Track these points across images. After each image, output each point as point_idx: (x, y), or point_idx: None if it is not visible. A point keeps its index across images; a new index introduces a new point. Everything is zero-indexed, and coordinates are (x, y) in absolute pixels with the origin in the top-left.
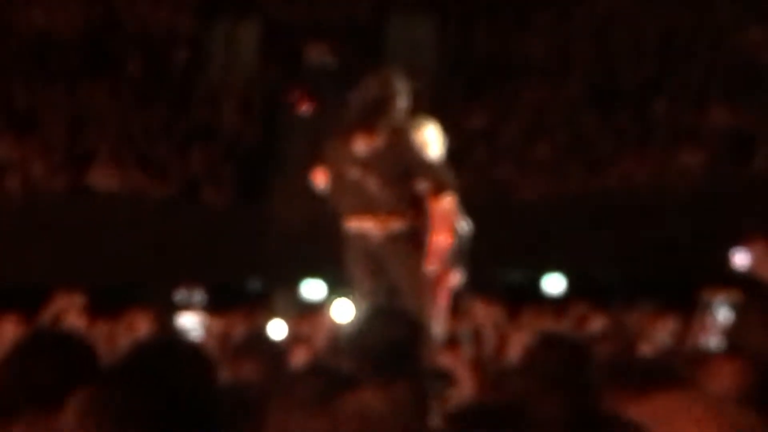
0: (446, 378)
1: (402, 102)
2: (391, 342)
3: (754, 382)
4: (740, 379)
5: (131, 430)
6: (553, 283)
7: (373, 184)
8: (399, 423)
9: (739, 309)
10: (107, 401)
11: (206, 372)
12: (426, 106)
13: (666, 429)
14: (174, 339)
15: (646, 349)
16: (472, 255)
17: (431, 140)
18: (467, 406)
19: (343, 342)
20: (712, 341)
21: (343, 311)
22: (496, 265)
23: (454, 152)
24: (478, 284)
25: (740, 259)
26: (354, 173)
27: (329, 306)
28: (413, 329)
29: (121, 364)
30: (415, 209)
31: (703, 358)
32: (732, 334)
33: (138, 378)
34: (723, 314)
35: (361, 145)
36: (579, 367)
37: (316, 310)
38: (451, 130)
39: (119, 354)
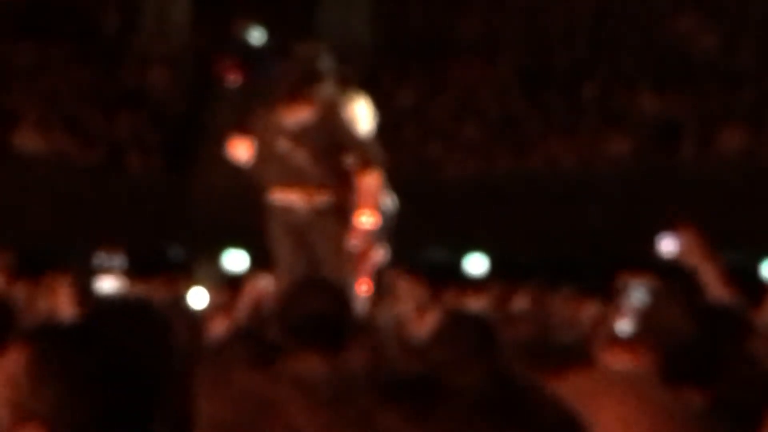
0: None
1: (331, 75)
2: (319, 313)
3: (664, 364)
4: (652, 361)
5: (74, 393)
6: (476, 263)
7: (301, 157)
8: (338, 390)
9: (656, 293)
10: (48, 358)
11: (162, 336)
12: (357, 81)
13: (584, 407)
14: (132, 301)
15: (564, 332)
16: (396, 232)
17: (361, 115)
18: (384, 377)
19: (268, 312)
20: (628, 325)
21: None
22: (420, 244)
23: (383, 129)
24: (401, 262)
25: (666, 245)
26: (282, 145)
27: (251, 277)
28: (340, 301)
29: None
30: (342, 184)
31: (617, 341)
32: (647, 317)
33: (86, 336)
34: (640, 299)
35: (290, 117)
36: (487, 343)
37: (238, 280)
38: (381, 107)
39: (38, 316)
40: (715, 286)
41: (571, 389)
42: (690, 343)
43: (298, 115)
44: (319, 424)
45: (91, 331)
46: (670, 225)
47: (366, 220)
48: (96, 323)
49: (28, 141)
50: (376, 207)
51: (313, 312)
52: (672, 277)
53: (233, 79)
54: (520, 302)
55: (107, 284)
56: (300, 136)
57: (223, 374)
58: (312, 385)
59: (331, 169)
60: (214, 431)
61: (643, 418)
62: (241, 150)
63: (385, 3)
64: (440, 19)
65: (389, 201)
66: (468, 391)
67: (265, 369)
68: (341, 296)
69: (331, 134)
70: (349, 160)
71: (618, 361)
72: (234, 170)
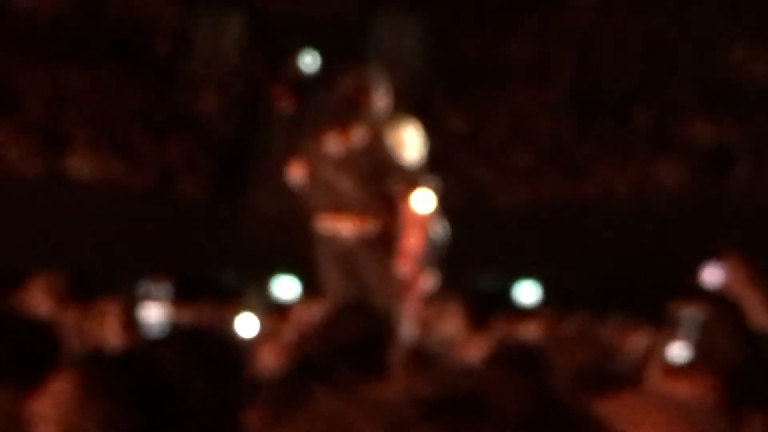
0: None
1: (379, 100)
2: (359, 338)
3: (723, 393)
4: (710, 390)
5: (120, 417)
6: (527, 291)
7: (345, 184)
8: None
9: (707, 323)
10: (97, 385)
11: (208, 363)
12: (408, 105)
13: (631, 429)
14: (179, 329)
15: (616, 359)
16: (446, 259)
17: (408, 140)
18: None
19: (311, 339)
20: (680, 352)
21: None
22: (471, 271)
23: (434, 154)
24: (451, 289)
25: (709, 274)
26: (327, 172)
27: (301, 304)
28: (380, 326)
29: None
30: (389, 210)
31: (672, 369)
32: (700, 345)
33: (132, 363)
34: (691, 328)
35: (334, 144)
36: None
37: (288, 307)
38: (432, 132)
39: (88, 342)
40: (760, 315)
41: (618, 412)
42: (745, 369)
43: (342, 142)
44: None
45: (137, 359)
46: (714, 254)
47: (413, 246)
48: (142, 351)
49: (79, 165)
50: (424, 233)
51: (354, 336)
52: (719, 305)
53: (285, 104)
54: (571, 329)
55: (154, 313)
56: (345, 163)
57: (299, 399)
58: (387, 410)
59: (378, 195)
60: None
61: None
62: (295, 174)
63: (437, 28)
64: (492, 44)
65: (439, 227)
66: (511, 411)
67: (344, 392)
68: (382, 321)
69: (375, 160)
70: (396, 187)
71: (676, 389)
72: (284, 196)
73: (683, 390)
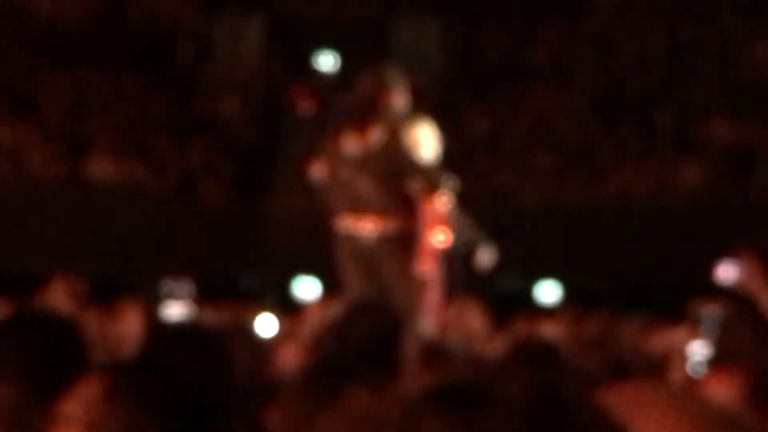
0: None
1: (398, 100)
2: (373, 336)
3: (747, 391)
4: (734, 389)
5: (146, 419)
6: (548, 291)
7: (365, 184)
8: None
9: (727, 321)
10: (124, 388)
11: (225, 363)
12: (429, 106)
13: (635, 417)
14: (194, 328)
15: (637, 359)
16: (467, 260)
17: (426, 140)
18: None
19: (326, 338)
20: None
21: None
22: (492, 272)
23: (455, 156)
24: (473, 289)
25: (724, 271)
26: (346, 172)
27: (321, 304)
28: (395, 324)
29: (140, 351)
30: (408, 210)
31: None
32: (720, 344)
33: (157, 366)
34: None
35: (352, 145)
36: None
37: (308, 307)
38: (453, 134)
39: (109, 343)
40: None
41: (632, 404)
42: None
43: (360, 142)
44: None
45: (157, 361)
46: (730, 251)
47: (433, 243)
48: (162, 352)
49: (100, 168)
50: (444, 232)
51: (368, 334)
52: (737, 303)
53: (306, 106)
54: (592, 329)
55: (176, 311)
56: (363, 163)
57: (333, 394)
58: (404, 404)
59: (396, 195)
60: None
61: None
62: (317, 172)
63: (457, 28)
64: (513, 45)
65: (460, 227)
66: (514, 400)
67: (380, 387)
68: (397, 319)
69: (394, 160)
70: (415, 187)
71: (699, 388)
72: (305, 197)
73: (707, 388)
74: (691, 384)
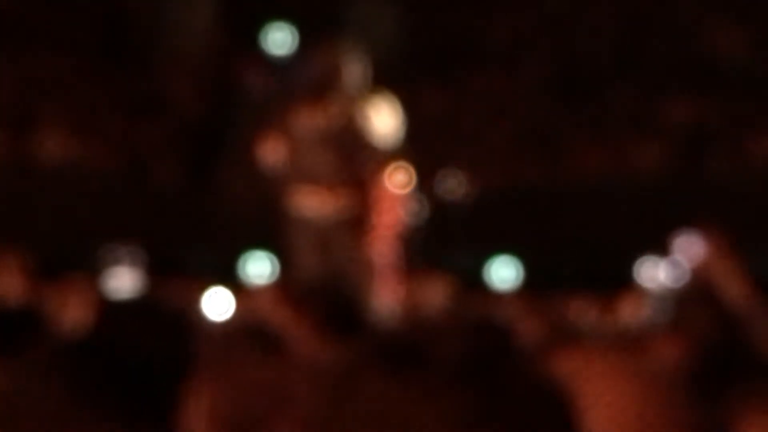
0: None
1: (354, 75)
2: (324, 316)
3: (695, 361)
4: (682, 356)
5: (87, 398)
6: (502, 270)
7: (319, 159)
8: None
9: (682, 295)
10: (62, 367)
11: (176, 339)
12: (384, 82)
13: (576, 380)
14: (144, 302)
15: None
16: (422, 237)
17: (383, 117)
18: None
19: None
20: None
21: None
22: (447, 250)
23: (410, 133)
24: (428, 267)
25: (684, 243)
26: (300, 147)
27: (272, 281)
28: (347, 305)
29: (86, 328)
30: (363, 187)
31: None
32: (675, 318)
33: (101, 343)
34: (665, 299)
35: (307, 119)
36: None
37: (259, 284)
38: (410, 111)
39: (58, 319)
40: (733, 287)
41: (578, 369)
42: (719, 339)
43: (317, 118)
44: (325, 409)
45: (103, 338)
46: (690, 227)
47: (387, 224)
48: (110, 328)
49: (48, 146)
50: (399, 211)
51: (324, 303)
52: (692, 280)
53: (258, 81)
54: (547, 308)
55: (125, 282)
56: (318, 138)
57: (228, 367)
58: (319, 372)
59: (352, 172)
60: (221, 426)
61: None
62: (268, 151)
63: (414, 6)
64: (468, 25)
65: (415, 205)
66: (450, 360)
67: (275, 358)
68: (349, 300)
69: (351, 137)
70: (368, 164)
71: (649, 352)
72: (256, 174)
73: (656, 353)
74: (638, 350)
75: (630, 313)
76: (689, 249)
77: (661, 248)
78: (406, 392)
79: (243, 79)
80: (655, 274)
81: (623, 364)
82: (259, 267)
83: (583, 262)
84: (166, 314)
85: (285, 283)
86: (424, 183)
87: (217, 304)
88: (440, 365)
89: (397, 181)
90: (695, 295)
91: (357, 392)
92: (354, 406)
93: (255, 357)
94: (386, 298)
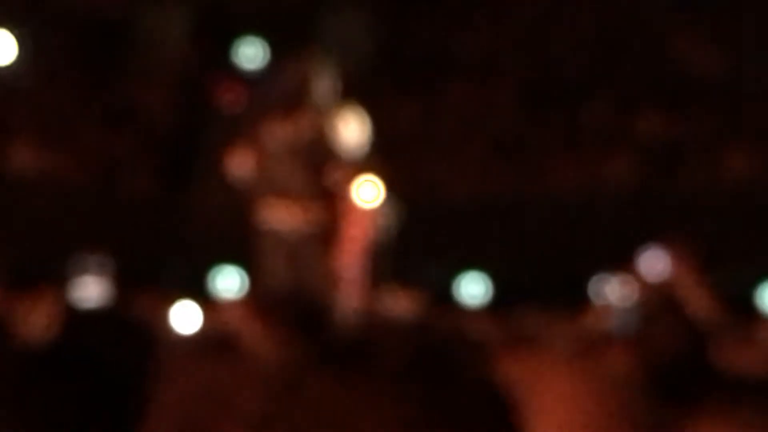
0: None
1: (324, 87)
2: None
3: (651, 371)
4: (638, 365)
5: (49, 405)
6: (473, 284)
7: (289, 172)
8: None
9: (646, 309)
10: (29, 378)
11: (143, 351)
12: (355, 97)
13: (528, 383)
14: (112, 312)
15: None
16: (392, 250)
17: (352, 129)
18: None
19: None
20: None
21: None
22: (417, 264)
23: (380, 148)
24: (397, 280)
25: (650, 259)
26: (270, 160)
27: (241, 294)
28: (314, 316)
29: (52, 338)
30: (332, 200)
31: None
32: (639, 334)
33: (68, 354)
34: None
35: (277, 132)
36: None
37: (228, 297)
38: (381, 124)
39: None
40: (698, 302)
41: (526, 373)
42: (680, 353)
43: (287, 130)
44: (270, 409)
45: (68, 350)
46: (655, 243)
47: (355, 237)
48: (76, 339)
49: (19, 157)
50: (369, 224)
51: (291, 315)
52: (658, 295)
53: (230, 96)
54: (516, 323)
55: (92, 292)
56: (288, 151)
57: (180, 374)
58: (267, 374)
59: (321, 185)
60: (169, 428)
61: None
62: (239, 164)
63: (385, 18)
64: (442, 36)
65: (385, 217)
66: (397, 359)
67: (225, 363)
68: (316, 312)
69: (321, 150)
70: (339, 176)
71: (603, 360)
72: (227, 187)
73: (611, 360)
74: (593, 357)
75: (594, 326)
76: (655, 264)
77: (630, 263)
78: (349, 394)
79: (214, 92)
80: (622, 288)
81: (576, 369)
82: (228, 281)
83: (555, 277)
84: (131, 325)
85: (254, 297)
86: (394, 196)
87: (185, 317)
88: (385, 368)
89: (366, 194)
90: (659, 309)
91: (301, 393)
92: (298, 407)
93: (206, 363)
94: (351, 310)
